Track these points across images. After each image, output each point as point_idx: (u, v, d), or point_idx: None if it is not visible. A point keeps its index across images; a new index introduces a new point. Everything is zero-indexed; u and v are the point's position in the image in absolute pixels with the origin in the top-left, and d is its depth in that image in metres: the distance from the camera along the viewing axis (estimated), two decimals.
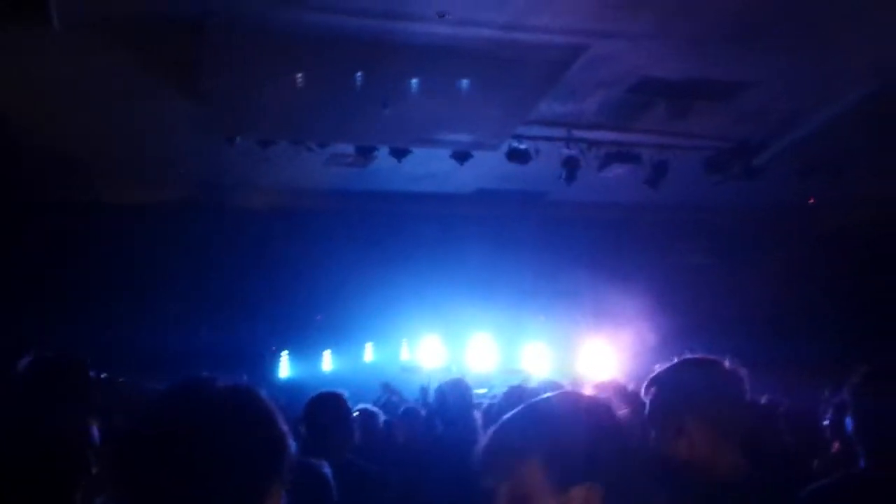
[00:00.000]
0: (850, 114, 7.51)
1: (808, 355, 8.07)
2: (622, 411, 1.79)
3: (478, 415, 5.10)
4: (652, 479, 1.80)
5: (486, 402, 6.17)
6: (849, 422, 2.65)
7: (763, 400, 4.66)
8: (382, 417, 6.38)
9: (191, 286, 9.00)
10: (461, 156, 8.25)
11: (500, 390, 7.66)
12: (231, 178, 9.24)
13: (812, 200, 10.35)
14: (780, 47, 6.36)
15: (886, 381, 2.65)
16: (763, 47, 6.36)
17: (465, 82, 6.57)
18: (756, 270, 9.81)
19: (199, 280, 9.08)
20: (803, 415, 4.68)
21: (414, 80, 6.49)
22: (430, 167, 8.76)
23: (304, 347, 10.32)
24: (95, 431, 2.18)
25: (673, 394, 2.52)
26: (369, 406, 6.36)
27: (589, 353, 10.21)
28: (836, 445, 3.86)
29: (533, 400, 1.78)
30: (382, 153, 8.23)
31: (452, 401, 5.07)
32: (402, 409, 6.88)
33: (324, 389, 4.47)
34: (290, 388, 9.19)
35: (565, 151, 8.28)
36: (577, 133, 8.15)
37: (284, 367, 10.27)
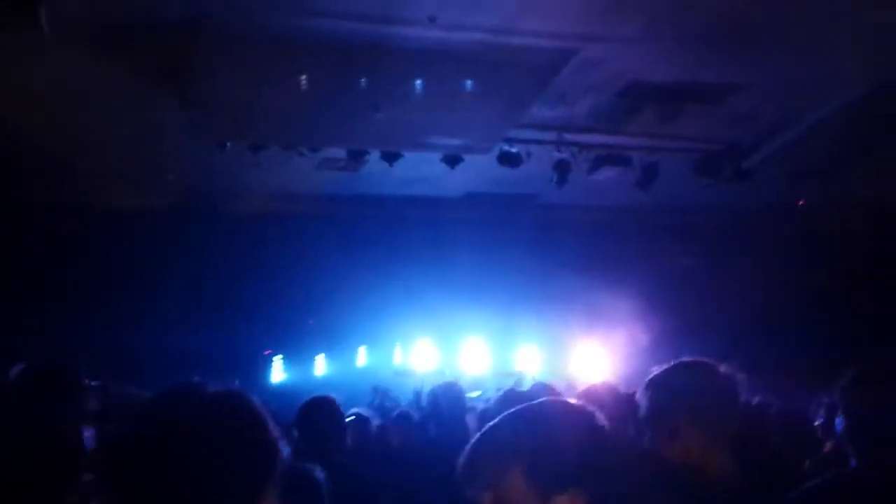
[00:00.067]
0: (840, 116, 7.55)
1: (798, 356, 8.11)
2: (611, 415, 1.79)
3: (471, 418, 5.10)
4: (638, 484, 1.80)
5: (479, 405, 6.18)
6: (839, 422, 2.66)
7: (755, 401, 4.68)
8: (376, 421, 6.38)
9: (183, 291, 8.97)
10: (452, 159, 8.26)
11: (493, 393, 7.68)
12: (223, 182, 9.23)
13: (802, 203, 10.40)
14: (770, 51, 6.39)
15: (876, 381, 2.66)
16: (752, 51, 6.38)
17: (456, 86, 6.58)
18: (747, 272, 9.84)
19: (191, 285, 9.06)
20: (795, 415, 4.70)
21: (405, 85, 6.49)
22: (421, 171, 8.77)
23: (297, 352, 10.30)
24: (88, 436, 2.19)
25: (667, 396, 2.54)
26: (362, 410, 6.37)
27: (581, 354, 10.23)
28: (828, 446, 3.88)
29: (514, 409, 1.78)
30: (374, 157, 8.23)
31: (446, 404, 5.08)
32: (395, 412, 6.88)
33: (317, 394, 4.47)
34: (283, 392, 9.18)
35: (556, 155, 8.30)
36: (568, 136, 8.18)
37: (277, 372, 10.25)
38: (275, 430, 1.51)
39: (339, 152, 8.24)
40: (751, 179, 8.78)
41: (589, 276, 9.27)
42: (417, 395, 7.99)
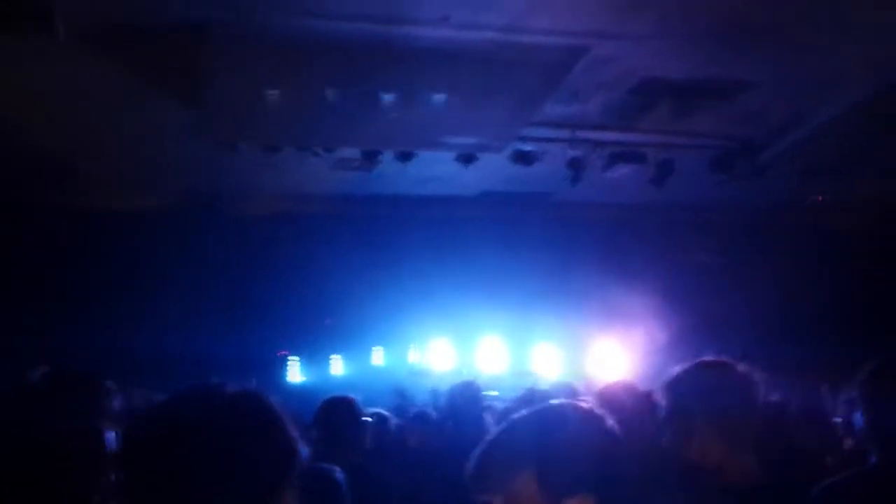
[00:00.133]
0: (852, 114, 7.50)
1: (816, 353, 8.06)
2: (629, 414, 1.79)
3: (489, 418, 5.10)
4: (650, 486, 1.80)
5: (497, 404, 6.17)
6: (858, 417, 2.64)
7: (774, 398, 4.65)
8: (394, 421, 6.39)
9: (199, 292, 9.02)
10: (466, 158, 8.25)
11: (510, 392, 7.68)
12: (237, 183, 9.28)
13: (819, 199, 10.33)
14: (783, 47, 6.35)
15: (894, 374, 2.63)
16: (763, 48, 6.35)
17: (468, 85, 6.58)
18: (763, 268, 9.79)
19: (207, 286, 9.11)
20: (814, 412, 4.67)
21: (418, 84, 6.50)
22: (435, 170, 8.77)
23: (314, 352, 10.33)
24: (112, 437, 2.21)
25: (685, 396, 2.54)
26: (381, 410, 6.37)
27: (599, 353, 10.19)
28: (848, 442, 3.85)
29: (525, 412, 1.79)
30: (387, 157, 8.24)
31: (463, 404, 5.08)
32: (412, 412, 6.88)
33: (335, 394, 4.48)
34: (300, 393, 9.21)
35: (570, 152, 8.28)
36: (582, 134, 8.15)
37: (294, 372, 10.28)
38: (293, 431, 1.52)
39: (353, 152, 8.25)
40: (765, 176, 8.73)
41: (605, 274, 9.25)
42: (435, 394, 8.00)
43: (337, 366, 10.47)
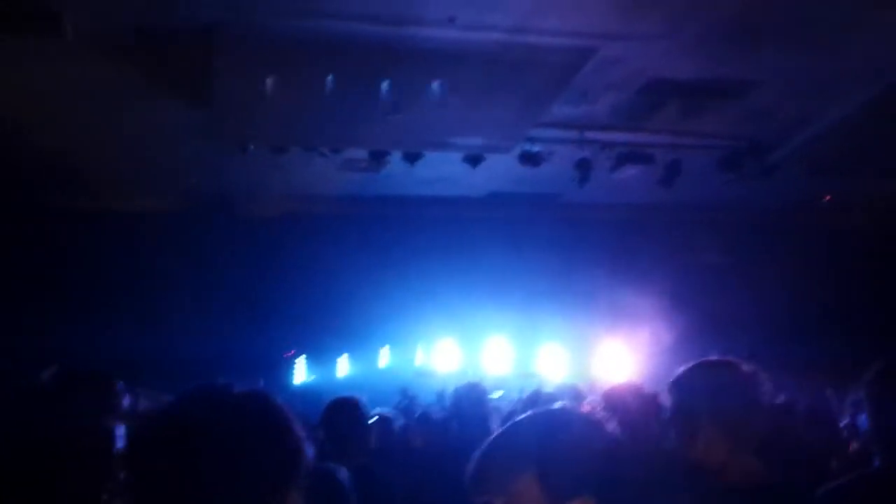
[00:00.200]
0: (860, 113, 7.48)
1: (824, 353, 8.03)
2: (634, 416, 1.80)
3: (496, 419, 5.10)
4: (652, 488, 1.81)
5: (504, 405, 6.18)
6: (863, 419, 2.62)
7: (780, 399, 4.64)
8: (399, 422, 6.40)
9: (205, 294, 9.05)
10: (474, 159, 8.26)
11: (515, 393, 7.68)
12: (244, 184, 9.30)
13: (828, 198, 10.30)
14: (790, 46, 6.34)
15: None
16: (772, 47, 6.34)
17: (475, 86, 6.58)
18: (771, 269, 9.77)
19: (213, 287, 9.14)
20: (821, 414, 4.66)
21: (425, 85, 6.50)
22: (442, 171, 8.78)
23: (320, 353, 10.35)
24: (121, 435, 2.23)
25: (688, 396, 2.54)
26: (386, 411, 6.38)
27: (605, 354, 10.18)
28: (853, 445, 3.84)
29: (525, 414, 1.80)
30: (395, 158, 8.25)
31: (468, 405, 5.08)
32: (417, 413, 6.90)
33: (341, 395, 4.50)
34: (306, 393, 9.23)
35: (578, 153, 8.28)
36: (590, 134, 8.15)
37: (300, 373, 10.30)
38: (300, 431, 1.53)
39: (360, 153, 8.27)
40: (773, 176, 8.72)
41: (612, 275, 9.24)
42: (440, 395, 8.01)
43: (343, 366, 10.49)
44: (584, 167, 8.31)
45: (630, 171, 8.58)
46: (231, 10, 5.59)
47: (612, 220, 10.42)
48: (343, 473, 3.57)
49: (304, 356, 10.33)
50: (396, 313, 9.51)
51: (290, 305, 9.50)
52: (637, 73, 6.83)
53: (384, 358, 10.61)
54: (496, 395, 7.94)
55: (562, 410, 1.81)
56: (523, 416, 1.80)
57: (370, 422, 4.59)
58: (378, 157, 8.29)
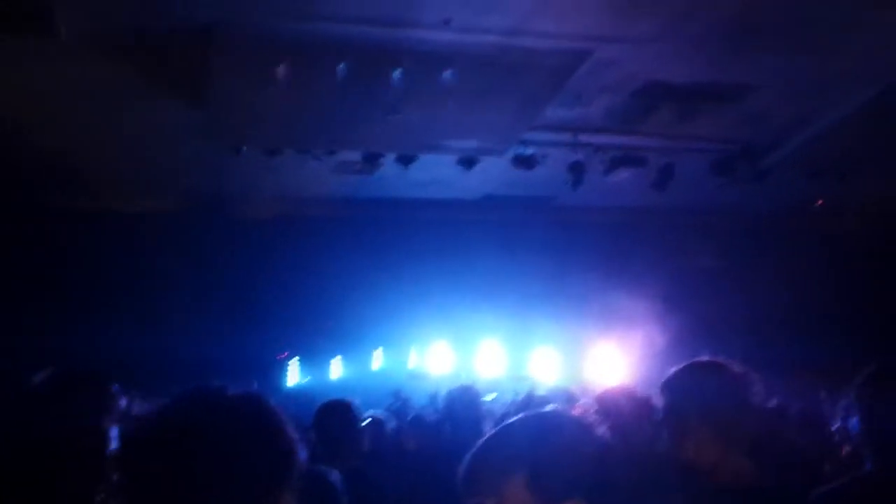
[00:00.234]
0: (856, 116, 7.50)
1: (818, 357, 8.05)
2: (627, 419, 1.80)
3: (488, 422, 5.10)
4: (643, 489, 1.81)
5: (497, 408, 6.18)
6: (854, 423, 2.61)
7: (773, 403, 4.64)
8: (392, 424, 6.39)
9: (198, 295, 9.03)
10: (467, 162, 8.26)
11: (508, 396, 7.67)
12: (238, 186, 9.28)
13: (820, 203, 10.33)
14: (785, 50, 6.36)
15: (890, 380, 2.59)
16: (767, 50, 6.36)
17: (470, 88, 6.59)
18: (765, 272, 9.79)
19: (206, 288, 9.11)
20: (814, 417, 4.67)
21: (420, 87, 6.51)
22: (436, 173, 8.78)
23: (313, 355, 10.34)
24: (115, 436, 2.22)
25: (679, 396, 2.55)
26: (378, 413, 6.37)
27: (598, 357, 10.19)
28: (846, 448, 3.84)
29: (516, 417, 1.80)
30: (389, 160, 8.25)
31: (461, 407, 5.08)
32: (410, 416, 6.89)
33: (333, 397, 4.49)
34: (299, 395, 9.21)
35: (572, 156, 8.29)
36: (584, 137, 8.16)
37: (293, 375, 10.29)
38: (294, 433, 1.53)
39: (354, 155, 8.26)
40: (767, 179, 8.74)
41: (605, 278, 9.25)
42: (433, 397, 8.01)
43: (336, 368, 10.48)
44: (577, 170, 8.32)
45: (623, 175, 8.60)
46: (228, 12, 5.59)
47: (606, 223, 10.44)
48: (335, 476, 3.56)
49: (297, 358, 10.32)
50: (390, 315, 9.51)
51: (284, 307, 9.49)
52: (631, 76, 6.84)
53: (377, 360, 10.61)
54: (489, 397, 7.94)
55: (554, 413, 1.81)
56: (515, 418, 1.80)
57: (363, 424, 4.58)
58: (372, 160, 8.29)
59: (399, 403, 8.20)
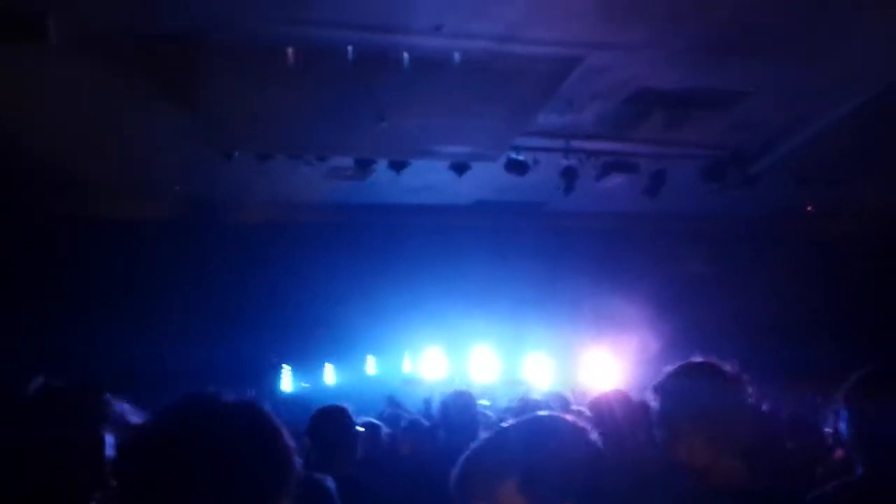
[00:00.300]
0: (847, 121, 7.54)
1: (810, 362, 8.07)
2: (621, 423, 1.81)
3: (482, 427, 5.10)
4: (635, 493, 1.82)
5: (491, 414, 6.17)
6: (844, 427, 2.61)
7: (765, 407, 4.66)
8: (386, 430, 6.38)
9: (190, 301, 9.01)
10: (460, 167, 8.28)
11: (502, 402, 7.67)
12: (230, 192, 9.28)
13: (810, 208, 10.38)
14: (775, 57, 6.39)
15: (881, 384, 2.58)
16: (758, 57, 6.38)
17: (462, 95, 6.60)
18: (756, 278, 9.82)
19: (198, 295, 9.09)
20: (806, 422, 4.69)
21: (411, 93, 6.52)
22: (428, 179, 8.79)
23: (306, 361, 10.32)
24: (111, 443, 2.22)
25: (671, 398, 2.55)
26: (373, 419, 6.36)
27: (591, 362, 10.21)
28: (838, 452, 3.85)
29: (509, 423, 1.81)
30: (381, 166, 8.26)
31: (455, 413, 5.07)
32: (405, 421, 6.88)
33: (328, 403, 4.48)
34: (293, 401, 9.19)
35: (563, 162, 8.30)
36: (575, 143, 8.18)
37: (286, 381, 10.26)
38: (290, 440, 1.53)
39: (346, 161, 8.27)
40: (758, 185, 8.77)
41: (598, 283, 9.27)
42: (427, 403, 8.00)
43: (329, 374, 10.46)
44: (569, 176, 8.34)
45: (615, 180, 8.63)
46: (217, 17, 5.59)
47: (598, 228, 10.46)
48: (329, 482, 3.56)
49: (290, 365, 10.29)
50: (383, 321, 9.51)
51: (276, 313, 9.47)
52: (623, 83, 6.86)
53: (371, 366, 10.59)
54: (483, 402, 7.93)
55: (547, 418, 1.82)
56: (509, 423, 1.81)
57: (357, 430, 4.57)
58: (364, 166, 8.29)
59: (393, 409, 8.19)
